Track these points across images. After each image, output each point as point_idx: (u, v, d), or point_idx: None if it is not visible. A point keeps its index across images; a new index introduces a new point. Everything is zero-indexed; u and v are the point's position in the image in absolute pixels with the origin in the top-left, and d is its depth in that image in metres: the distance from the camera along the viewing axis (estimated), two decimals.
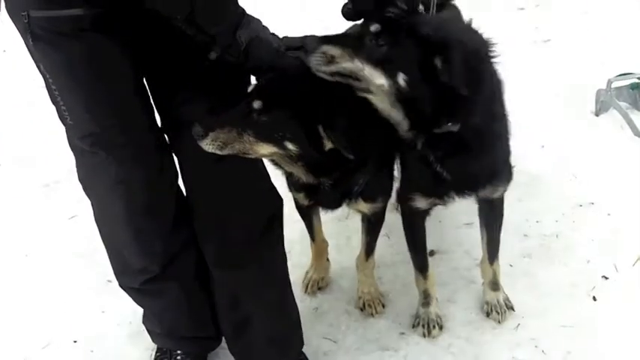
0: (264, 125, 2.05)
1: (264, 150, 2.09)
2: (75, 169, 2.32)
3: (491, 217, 2.67)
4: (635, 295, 2.81)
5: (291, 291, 2.52)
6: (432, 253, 3.03)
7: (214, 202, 2.27)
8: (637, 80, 3.90)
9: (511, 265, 3.00)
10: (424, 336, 2.72)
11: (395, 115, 2.03)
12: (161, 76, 2.15)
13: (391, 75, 1.93)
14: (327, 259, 2.98)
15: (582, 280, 2.91)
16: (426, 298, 2.74)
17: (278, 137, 2.06)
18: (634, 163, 3.54)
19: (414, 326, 2.75)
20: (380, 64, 1.94)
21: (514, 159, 2.50)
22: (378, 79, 1.95)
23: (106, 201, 2.27)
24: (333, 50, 1.96)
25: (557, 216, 3.26)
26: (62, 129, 2.23)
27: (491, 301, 2.77)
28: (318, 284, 2.94)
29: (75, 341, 2.84)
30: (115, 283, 2.74)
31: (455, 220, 3.24)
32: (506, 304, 2.77)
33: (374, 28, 1.97)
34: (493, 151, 2.32)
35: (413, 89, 1.94)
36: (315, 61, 1.96)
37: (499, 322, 2.74)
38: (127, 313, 2.88)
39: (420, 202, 2.46)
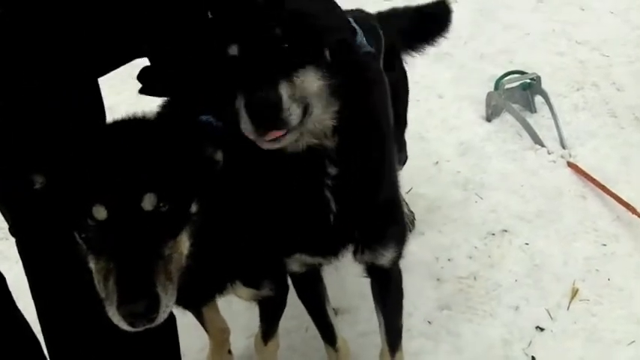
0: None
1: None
2: None
3: (387, 296, 2.02)
4: (579, 348, 2.34)
5: None
6: (335, 312, 2.36)
7: None
8: (528, 80, 3.48)
9: (429, 322, 2.45)
10: None
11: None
12: None
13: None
14: (230, 352, 2.26)
15: (515, 334, 2.40)
16: None
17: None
18: (540, 176, 3.10)
19: None
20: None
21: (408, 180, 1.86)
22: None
23: None
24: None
25: (469, 250, 2.74)
26: None
27: None
28: None
29: None
30: None
31: (354, 265, 2.60)
32: None
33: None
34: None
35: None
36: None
37: None
38: None
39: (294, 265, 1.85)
